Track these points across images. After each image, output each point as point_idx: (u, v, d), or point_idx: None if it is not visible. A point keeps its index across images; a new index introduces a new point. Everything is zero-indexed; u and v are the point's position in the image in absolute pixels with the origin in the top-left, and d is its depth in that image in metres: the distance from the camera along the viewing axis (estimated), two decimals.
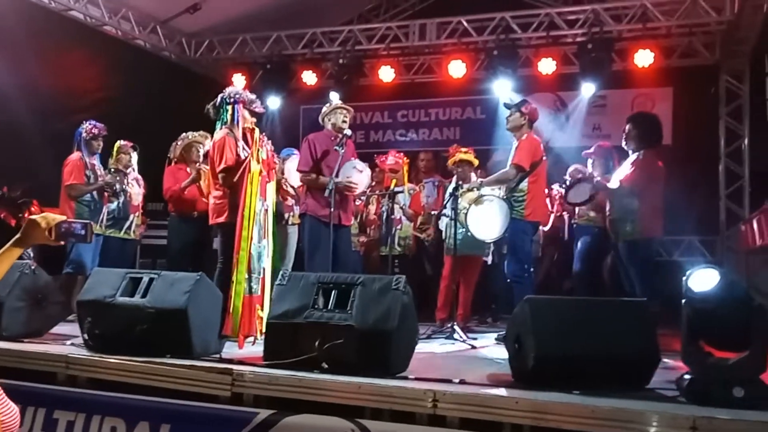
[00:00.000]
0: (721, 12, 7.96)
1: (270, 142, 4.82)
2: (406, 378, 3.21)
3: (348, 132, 5.37)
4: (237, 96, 4.83)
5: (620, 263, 5.12)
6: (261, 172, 4.52)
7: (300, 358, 3.29)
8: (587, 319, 3.21)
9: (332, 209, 5.05)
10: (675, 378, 3.02)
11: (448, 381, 3.11)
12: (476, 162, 6.26)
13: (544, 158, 5.48)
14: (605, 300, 4.10)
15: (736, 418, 2.55)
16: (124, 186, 6.16)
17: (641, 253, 4.87)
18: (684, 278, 2.90)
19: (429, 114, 10.45)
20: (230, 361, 3.55)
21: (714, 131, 9.07)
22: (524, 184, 5.32)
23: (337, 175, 5.13)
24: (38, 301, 4.29)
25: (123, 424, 3.25)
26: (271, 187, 4.74)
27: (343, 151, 5.20)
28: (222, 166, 4.65)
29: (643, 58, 8.33)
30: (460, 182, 5.72)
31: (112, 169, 6.20)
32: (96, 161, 6.09)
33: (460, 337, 5.02)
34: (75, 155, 5.94)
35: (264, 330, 3.76)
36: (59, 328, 4.47)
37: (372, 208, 6.83)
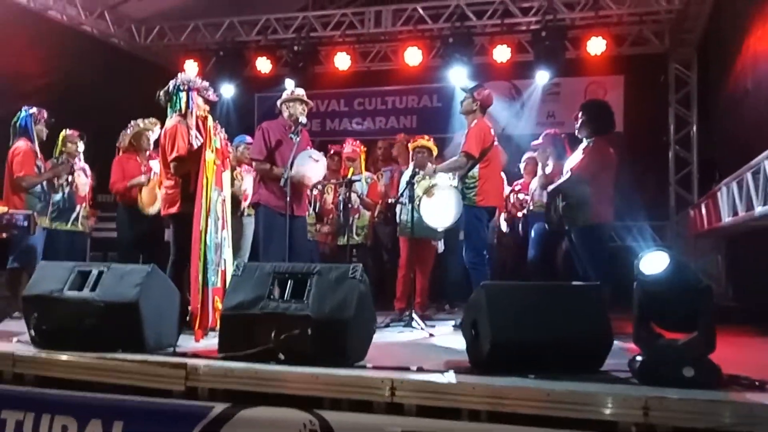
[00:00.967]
0: (671, 1, 8.16)
1: (224, 130, 4.73)
2: (363, 367, 3.19)
3: (304, 121, 5.30)
4: (191, 83, 4.72)
5: (573, 249, 5.20)
6: (215, 161, 4.42)
7: (256, 350, 3.24)
8: (542, 304, 3.24)
9: (288, 200, 4.98)
10: (627, 360, 3.07)
11: (406, 369, 3.10)
12: (436, 150, 6.26)
13: (496, 143, 5.47)
14: (559, 284, 4.14)
15: (687, 398, 2.60)
16: (72, 176, 5.95)
17: (594, 238, 4.96)
18: (635, 261, 2.95)
19: (386, 102, 10.44)
20: (184, 354, 3.47)
21: (664, 118, 9.30)
22: (475, 171, 5.31)
23: (291, 165, 5.05)
24: None
25: (74, 423, 3.14)
26: (227, 177, 4.65)
27: (298, 140, 5.13)
28: (174, 155, 4.54)
29: (596, 46, 8.48)
30: (417, 169, 5.72)
31: (60, 159, 5.98)
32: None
33: (419, 325, 5.03)
34: (24, 144, 5.63)
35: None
36: (4, 325, 4.32)
37: (329, 197, 6.78)
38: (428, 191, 5.30)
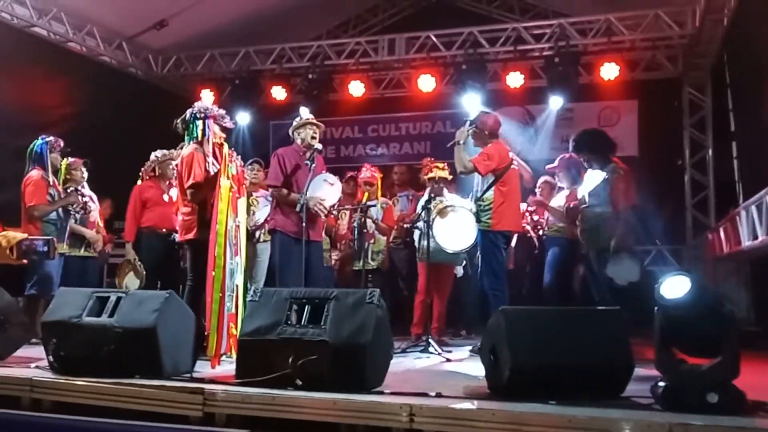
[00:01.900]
0: (683, 26, 8.18)
1: (240, 157, 4.77)
2: (381, 393, 3.17)
3: (319, 147, 5.31)
4: (207, 111, 4.78)
5: (590, 273, 5.15)
6: (231, 187, 4.45)
7: (273, 376, 3.23)
8: (562, 328, 3.21)
9: (304, 224, 4.99)
10: (649, 386, 3.02)
11: (425, 395, 3.07)
12: (450, 178, 6.25)
13: (513, 166, 5.40)
14: (579, 309, 4.10)
15: (711, 424, 2.55)
16: (85, 203, 5.99)
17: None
18: (656, 286, 2.91)
19: (399, 128, 10.48)
20: (201, 380, 3.47)
21: (679, 142, 9.26)
22: (489, 194, 5.25)
23: (307, 190, 5.07)
24: (0, 323, 4.14)
25: None
26: (242, 203, 4.68)
27: (313, 165, 5.17)
28: (191, 182, 4.59)
29: (609, 71, 8.49)
30: (433, 195, 5.71)
31: (70, 187, 6.02)
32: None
33: (435, 350, 4.99)
34: (36, 173, 5.65)
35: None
36: (23, 351, 4.32)
37: (343, 222, 6.79)
38: (443, 211, 5.28)
